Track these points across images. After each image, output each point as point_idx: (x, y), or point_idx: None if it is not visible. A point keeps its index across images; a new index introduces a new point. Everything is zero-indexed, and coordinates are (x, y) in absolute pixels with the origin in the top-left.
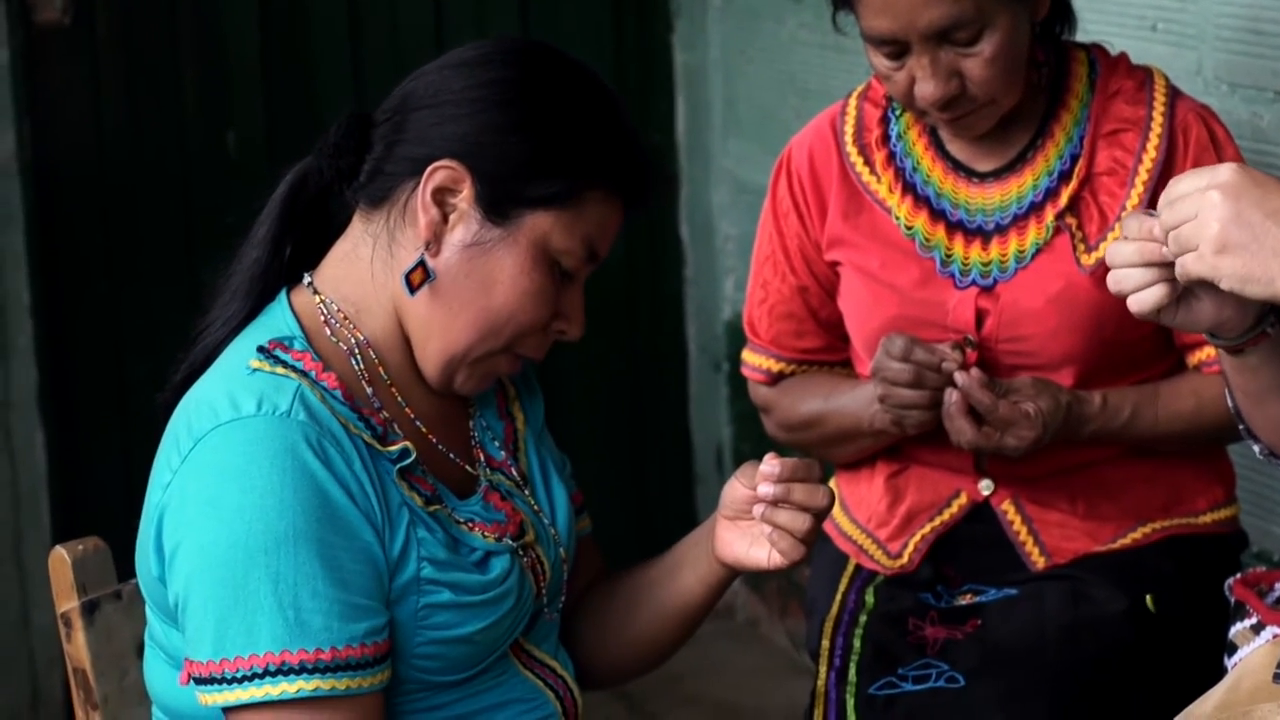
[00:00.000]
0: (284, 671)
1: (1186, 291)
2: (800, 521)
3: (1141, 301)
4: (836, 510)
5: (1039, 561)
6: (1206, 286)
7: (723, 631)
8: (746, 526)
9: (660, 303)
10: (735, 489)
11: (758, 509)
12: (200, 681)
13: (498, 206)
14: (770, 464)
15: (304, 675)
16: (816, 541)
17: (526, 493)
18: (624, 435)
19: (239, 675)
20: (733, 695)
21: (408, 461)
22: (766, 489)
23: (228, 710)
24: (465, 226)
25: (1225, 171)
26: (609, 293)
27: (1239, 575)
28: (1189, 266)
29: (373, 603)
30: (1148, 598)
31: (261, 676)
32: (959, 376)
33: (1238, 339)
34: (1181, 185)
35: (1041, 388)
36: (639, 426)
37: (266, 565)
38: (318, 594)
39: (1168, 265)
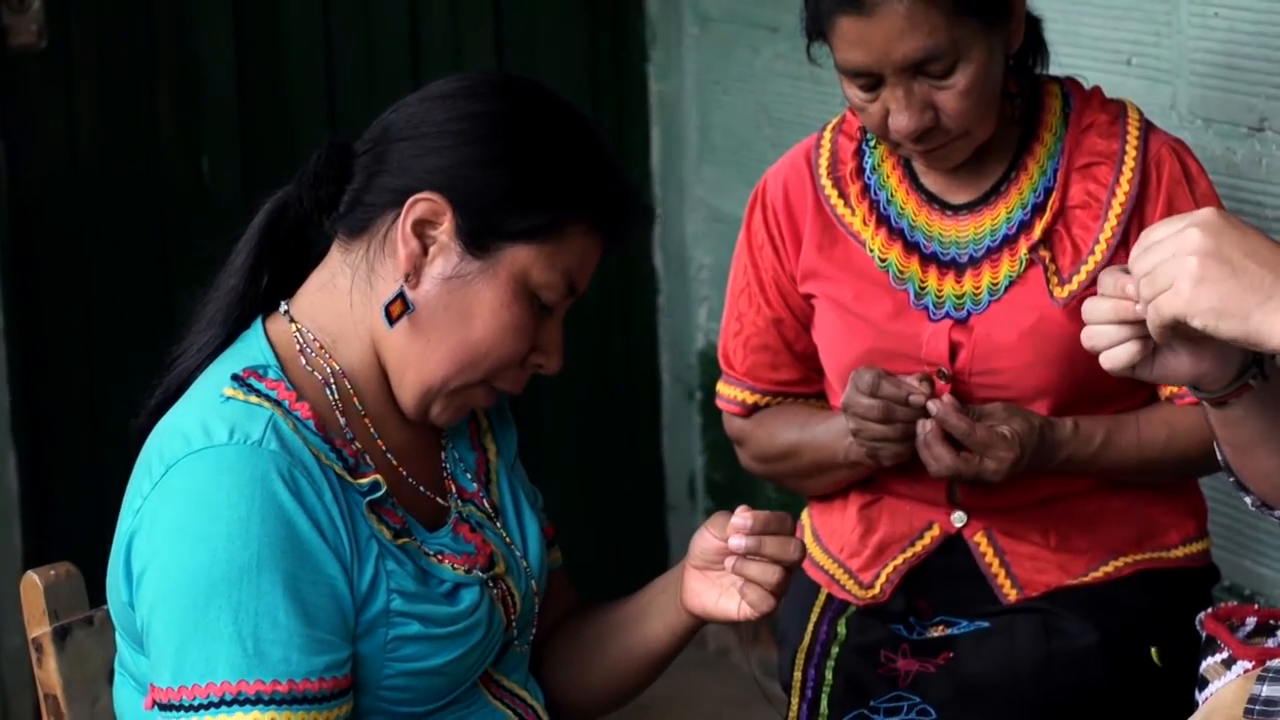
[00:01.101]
0: (240, 701)
1: (1163, 346)
2: (771, 574)
3: (1114, 358)
4: (808, 540)
5: (1011, 594)
6: (1182, 339)
7: (693, 661)
8: (715, 577)
9: (633, 331)
10: (705, 539)
11: (729, 561)
12: (162, 708)
13: (478, 239)
14: (742, 516)
15: (259, 706)
16: None
17: (498, 524)
18: (596, 463)
19: (195, 703)
20: None
21: (377, 495)
22: (738, 541)
23: None
24: (445, 259)
25: (1204, 213)
26: (582, 321)
27: (1210, 610)
28: (1163, 307)
29: (334, 637)
30: (1153, 651)
31: (217, 705)
32: (932, 405)
33: (1220, 391)
34: (1157, 231)
35: (1014, 411)
36: (611, 454)
37: (229, 594)
38: (278, 625)
39: (1141, 322)
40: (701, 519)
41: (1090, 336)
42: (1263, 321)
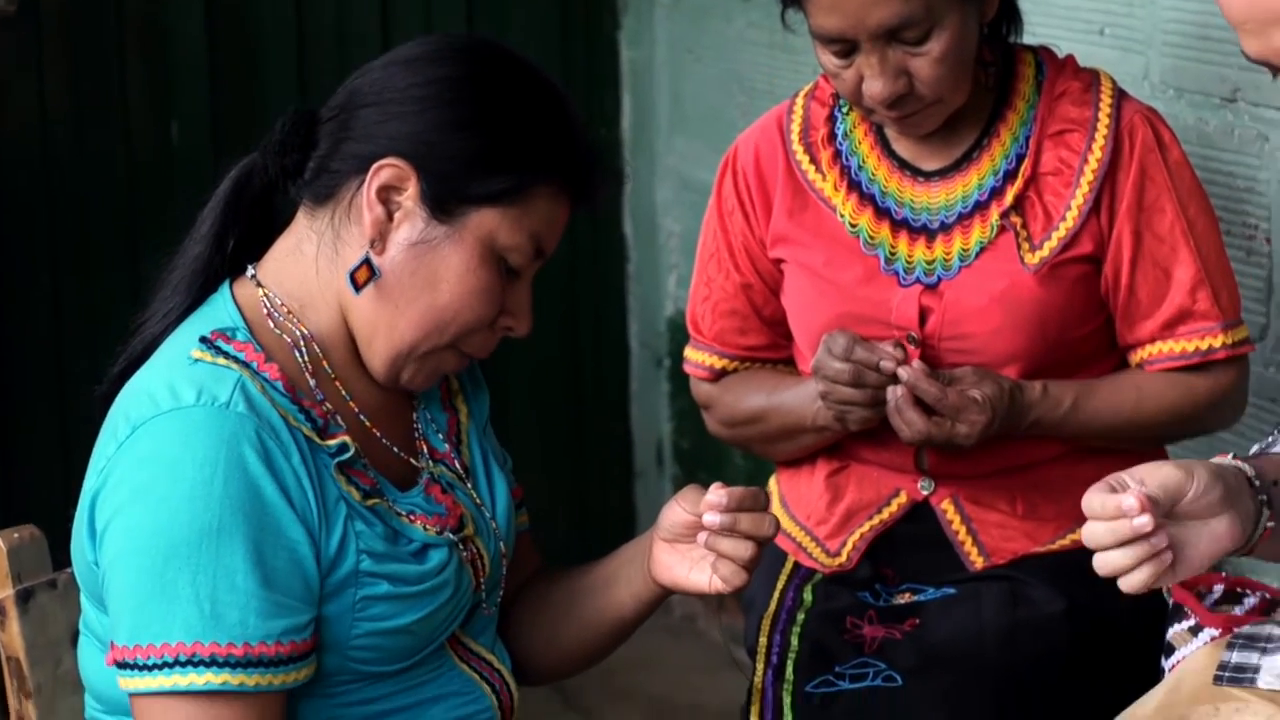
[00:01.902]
0: (195, 662)
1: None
2: (744, 550)
3: (1133, 584)
4: (776, 507)
5: (978, 561)
6: (1198, 524)
7: (659, 626)
8: (685, 550)
9: (603, 298)
10: (676, 513)
11: (701, 536)
12: (120, 666)
13: (443, 204)
14: (717, 493)
15: (214, 668)
16: None
17: (469, 485)
18: (565, 430)
19: (150, 662)
20: (668, 691)
21: (346, 456)
22: (713, 518)
23: (135, 696)
24: (410, 224)
25: None
26: (551, 288)
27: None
28: None
29: (295, 602)
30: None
31: (172, 665)
32: (902, 371)
33: (1246, 546)
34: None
35: (983, 375)
36: (580, 421)
37: (188, 556)
38: (236, 589)
39: (1146, 536)
40: (669, 486)
41: (1102, 564)
42: None
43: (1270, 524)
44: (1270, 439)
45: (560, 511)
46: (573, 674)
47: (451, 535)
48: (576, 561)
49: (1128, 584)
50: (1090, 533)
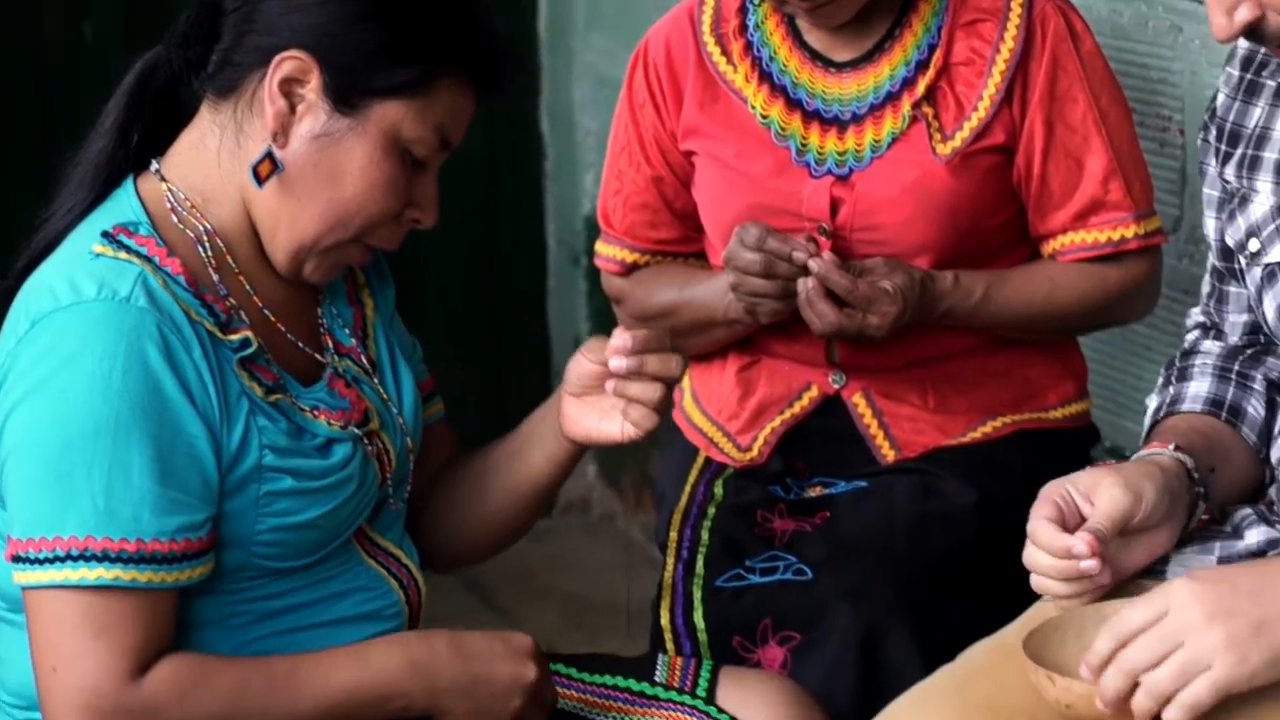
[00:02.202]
0: (87, 557)
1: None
2: (654, 391)
3: (1057, 597)
4: (687, 402)
5: (889, 455)
6: (1139, 536)
7: (577, 526)
8: (595, 401)
9: (519, 197)
10: (581, 364)
11: (610, 383)
12: (15, 560)
13: (346, 97)
14: (621, 337)
15: (105, 563)
16: (666, 433)
17: (375, 379)
18: (482, 329)
19: (43, 556)
20: (586, 589)
21: (248, 351)
22: (619, 362)
23: (27, 590)
24: (313, 117)
25: (1180, 585)
26: (468, 186)
27: (1087, 469)
28: (1201, 693)
29: (191, 499)
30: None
31: (64, 559)
32: (813, 263)
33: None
34: (1134, 618)
35: (894, 265)
36: (497, 320)
37: (84, 450)
38: (131, 485)
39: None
40: None
41: (1037, 585)
42: None
43: (1204, 516)
44: (1171, 391)
45: (477, 410)
46: (495, 550)
47: (356, 430)
48: None
49: (1061, 607)
50: (1033, 561)
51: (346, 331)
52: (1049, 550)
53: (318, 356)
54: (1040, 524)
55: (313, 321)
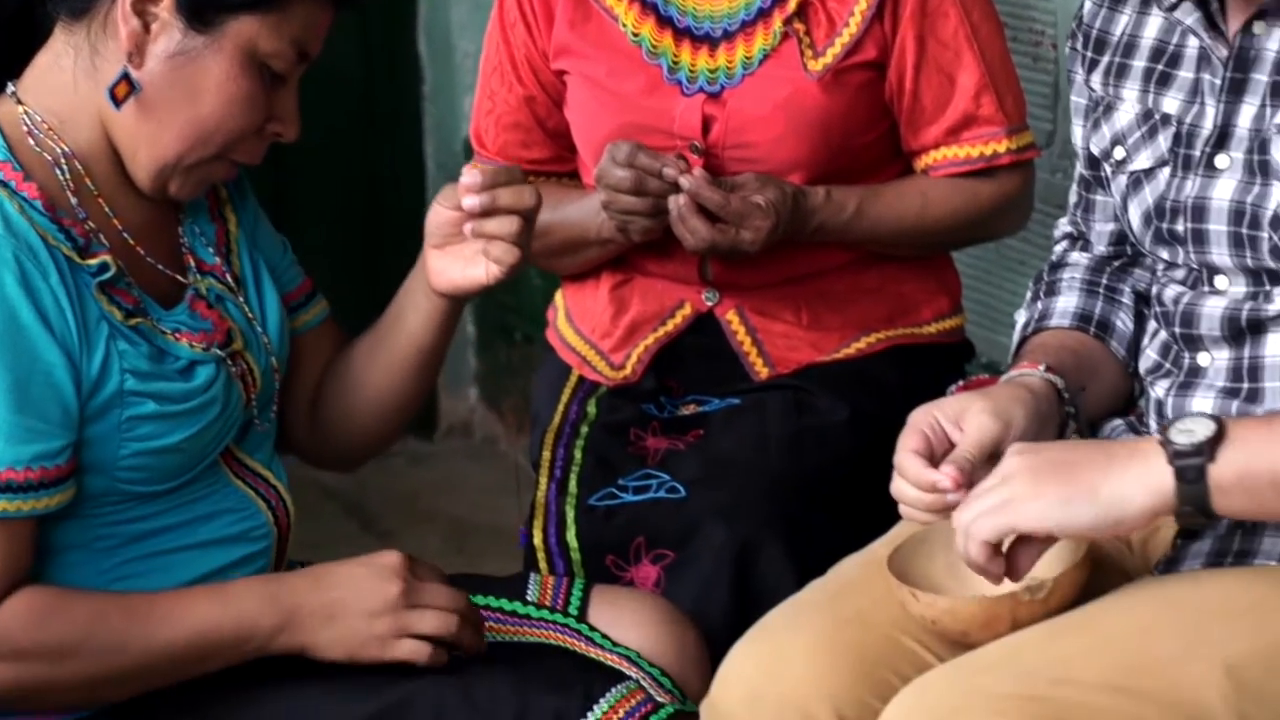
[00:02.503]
0: None
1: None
2: (511, 224)
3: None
4: (561, 321)
5: (763, 372)
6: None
7: (459, 450)
8: (457, 249)
9: (397, 120)
10: (438, 213)
11: (467, 226)
12: None
13: (200, 14)
14: (470, 174)
15: None
16: (539, 353)
17: (239, 298)
18: (361, 252)
19: None
20: (468, 513)
21: (107, 276)
22: (471, 200)
23: None
24: (168, 36)
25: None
26: (345, 110)
27: (960, 382)
28: (1000, 524)
29: (49, 426)
30: None
31: None
32: (684, 179)
33: None
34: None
35: (766, 180)
36: (376, 243)
37: None
38: None
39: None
40: (466, 308)
41: (905, 515)
42: (1112, 490)
43: (1075, 434)
44: (1039, 306)
45: (357, 332)
46: (392, 433)
47: (219, 351)
48: None
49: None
50: (900, 494)
51: (210, 250)
52: (915, 484)
53: (179, 278)
54: (907, 457)
55: (174, 241)
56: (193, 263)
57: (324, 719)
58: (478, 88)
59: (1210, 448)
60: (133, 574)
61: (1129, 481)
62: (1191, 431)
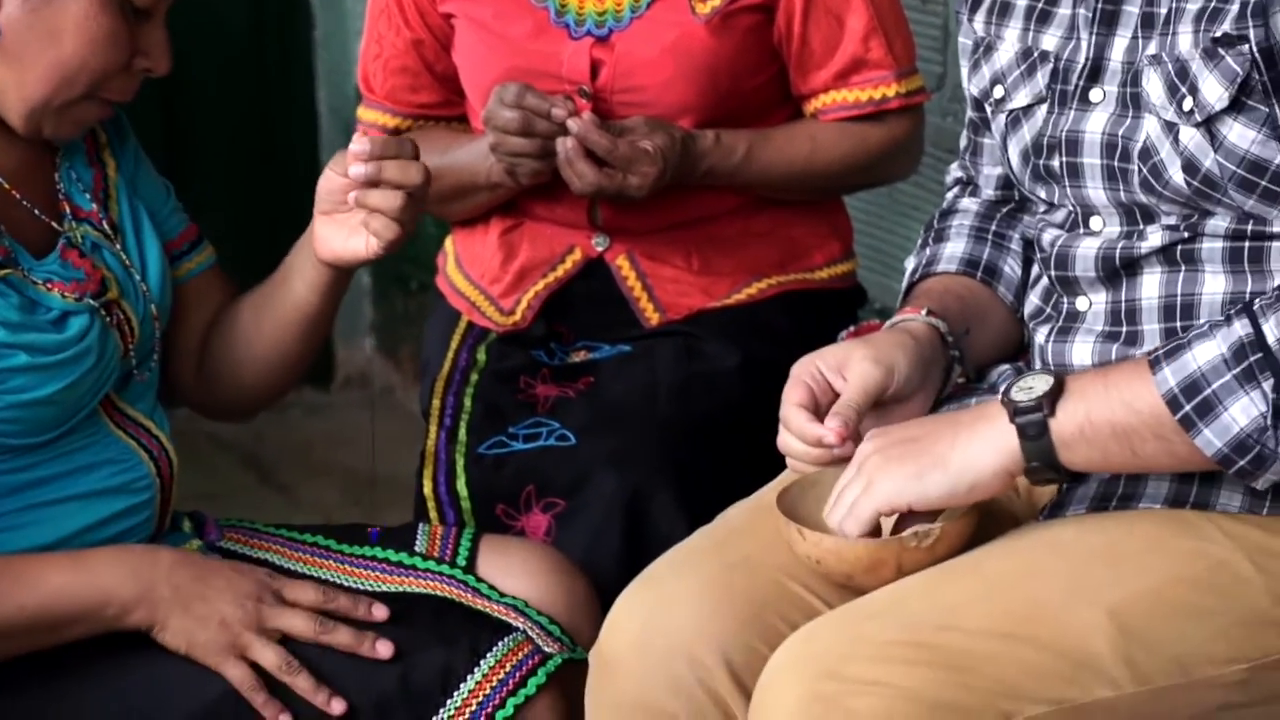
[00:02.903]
0: None
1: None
2: (394, 199)
3: None
4: (450, 267)
5: (653, 318)
6: (894, 405)
7: (356, 401)
8: (344, 219)
9: (289, 65)
10: (328, 179)
11: (352, 195)
12: None
13: None
14: (360, 143)
15: None
16: (430, 300)
17: (117, 246)
18: (256, 199)
19: None
20: (366, 464)
21: None
22: (357, 169)
23: None
24: None
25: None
26: (237, 55)
27: (851, 328)
28: (862, 508)
29: None
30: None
31: None
32: (572, 122)
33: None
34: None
35: (655, 125)
36: (270, 189)
37: None
38: None
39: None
40: None
41: (792, 467)
42: (961, 457)
43: (960, 379)
44: (927, 252)
45: (251, 281)
46: (280, 389)
47: (92, 301)
48: None
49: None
50: (787, 447)
51: (87, 195)
52: (801, 438)
53: (53, 225)
54: (792, 411)
55: (50, 186)
56: (68, 209)
57: (193, 682)
58: (365, 32)
59: (1049, 402)
60: (12, 525)
61: (976, 445)
62: (1030, 388)
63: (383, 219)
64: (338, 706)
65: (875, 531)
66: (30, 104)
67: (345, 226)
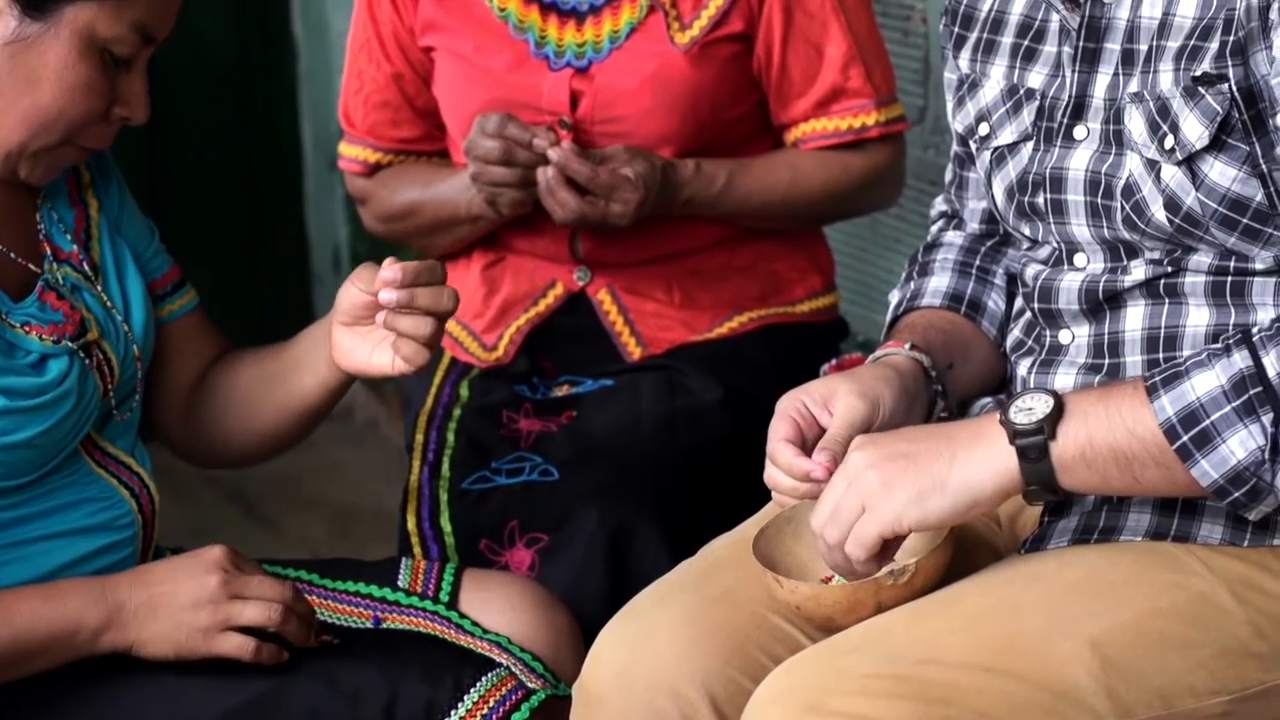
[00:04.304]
0: None
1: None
2: (424, 326)
3: None
4: None
5: (635, 352)
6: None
7: (341, 434)
8: (366, 332)
9: (273, 100)
10: (352, 294)
11: (380, 316)
12: None
13: (35, 1)
14: (391, 270)
15: None
16: None
17: (98, 287)
18: (239, 235)
19: None
20: (351, 497)
21: None
22: (389, 296)
23: None
24: (3, 23)
25: (823, 441)
26: (221, 91)
27: (834, 360)
28: (866, 532)
29: None
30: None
31: None
32: (553, 151)
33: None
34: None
35: (635, 153)
36: (255, 226)
37: None
38: None
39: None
40: None
41: (779, 503)
42: (960, 479)
43: (944, 414)
44: (912, 286)
45: (237, 317)
46: (262, 459)
47: (70, 343)
48: None
49: None
50: (774, 483)
51: (68, 236)
52: (789, 473)
53: (31, 267)
54: (779, 446)
55: (29, 229)
56: (49, 250)
57: (186, 712)
58: (345, 66)
59: (1050, 425)
60: None
61: (975, 466)
62: (1031, 410)
63: (413, 344)
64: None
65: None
66: (5, 148)
67: (368, 341)
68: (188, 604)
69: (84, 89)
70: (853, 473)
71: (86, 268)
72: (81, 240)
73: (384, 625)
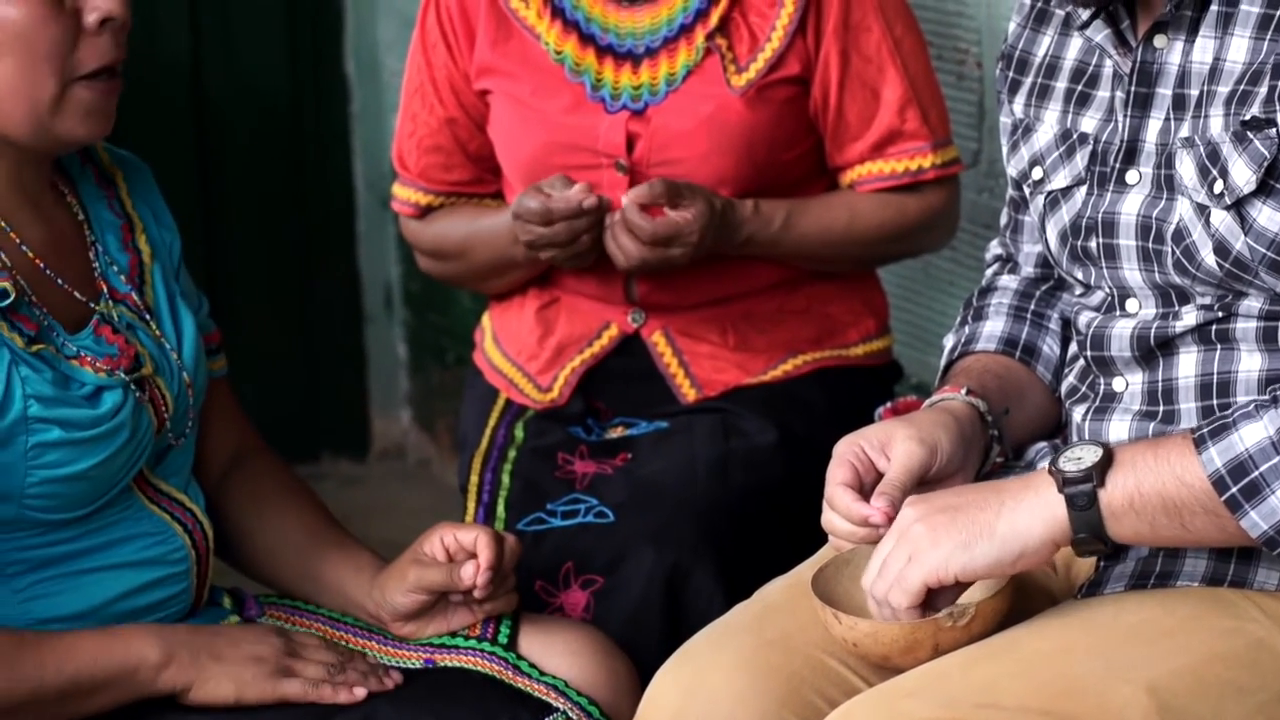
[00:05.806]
0: None
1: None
2: (512, 601)
3: None
4: (488, 344)
5: (690, 394)
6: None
7: (393, 473)
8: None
9: (326, 140)
10: (429, 579)
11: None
12: None
13: None
14: (469, 569)
15: None
16: (467, 376)
17: (151, 324)
18: (293, 275)
19: None
20: (401, 536)
21: (6, 303)
22: (485, 577)
23: None
24: None
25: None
26: (275, 130)
27: (889, 404)
28: (911, 579)
29: None
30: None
31: None
32: (624, 199)
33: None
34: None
35: (694, 190)
36: (307, 266)
37: None
38: None
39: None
40: (399, 329)
41: (835, 546)
42: (1008, 526)
43: (1000, 459)
44: (966, 330)
45: (289, 357)
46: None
47: (124, 376)
48: (307, 411)
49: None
50: (831, 527)
51: (122, 278)
52: (847, 518)
53: (88, 302)
54: (837, 490)
55: (84, 264)
56: (105, 289)
57: None
58: (400, 109)
59: (1099, 473)
60: (46, 594)
61: (1023, 514)
62: (1080, 459)
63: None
64: (394, 678)
65: (921, 603)
66: (30, 115)
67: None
68: (249, 655)
69: (36, 16)
70: (902, 528)
71: (140, 305)
72: (135, 283)
73: (438, 665)
